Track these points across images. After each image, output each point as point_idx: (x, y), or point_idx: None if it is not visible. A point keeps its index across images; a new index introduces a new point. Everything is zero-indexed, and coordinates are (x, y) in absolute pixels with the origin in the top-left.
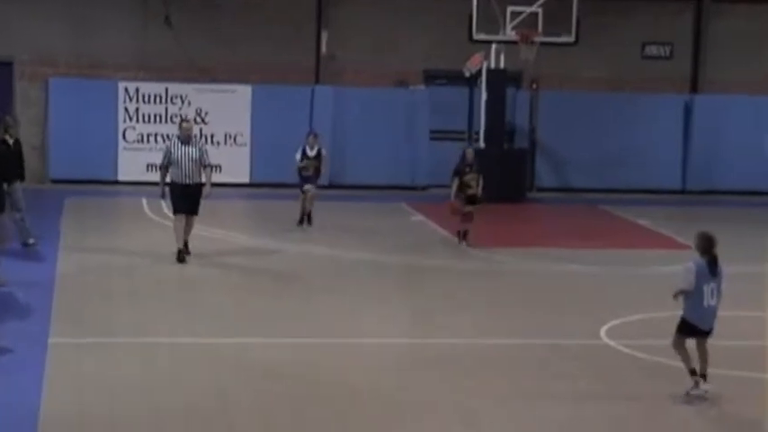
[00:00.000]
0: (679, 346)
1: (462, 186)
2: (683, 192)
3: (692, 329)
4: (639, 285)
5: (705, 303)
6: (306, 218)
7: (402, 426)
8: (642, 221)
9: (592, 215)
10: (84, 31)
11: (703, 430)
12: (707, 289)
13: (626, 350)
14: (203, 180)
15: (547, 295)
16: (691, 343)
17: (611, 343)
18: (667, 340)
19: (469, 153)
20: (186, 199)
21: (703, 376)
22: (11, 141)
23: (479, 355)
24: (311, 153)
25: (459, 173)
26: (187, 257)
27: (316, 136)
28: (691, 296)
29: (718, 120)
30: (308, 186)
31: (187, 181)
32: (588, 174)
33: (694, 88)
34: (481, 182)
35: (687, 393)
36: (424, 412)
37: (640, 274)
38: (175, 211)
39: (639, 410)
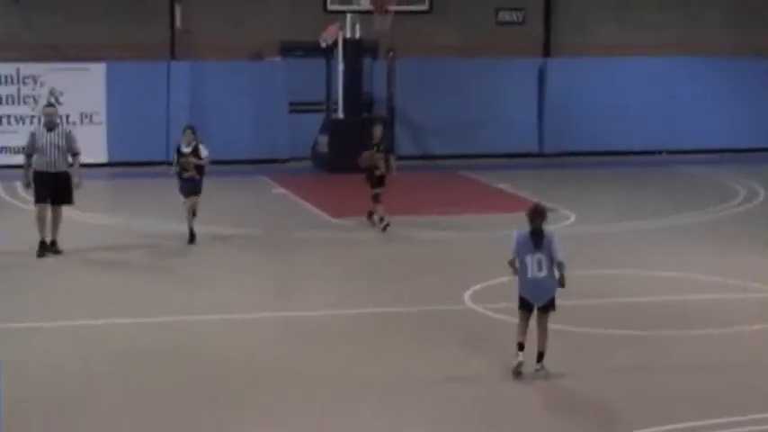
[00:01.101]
0: (519, 317)
1: (371, 168)
2: (539, 155)
3: (522, 302)
4: (500, 249)
5: (529, 275)
6: (191, 234)
7: (271, 399)
8: (501, 185)
9: (452, 181)
10: None
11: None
12: (531, 260)
13: (489, 314)
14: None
15: (410, 262)
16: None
17: (475, 306)
18: None
19: (377, 130)
20: (50, 188)
21: (540, 355)
22: None
23: (344, 325)
24: (187, 150)
25: (367, 158)
26: (47, 254)
27: (193, 131)
28: (519, 267)
29: (571, 83)
30: (189, 198)
31: (52, 169)
32: (447, 140)
33: (547, 52)
34: (393, 162)
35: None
36: (293, 385)
37: (501, 237)
38: (37, 200)
39: (498, 368)
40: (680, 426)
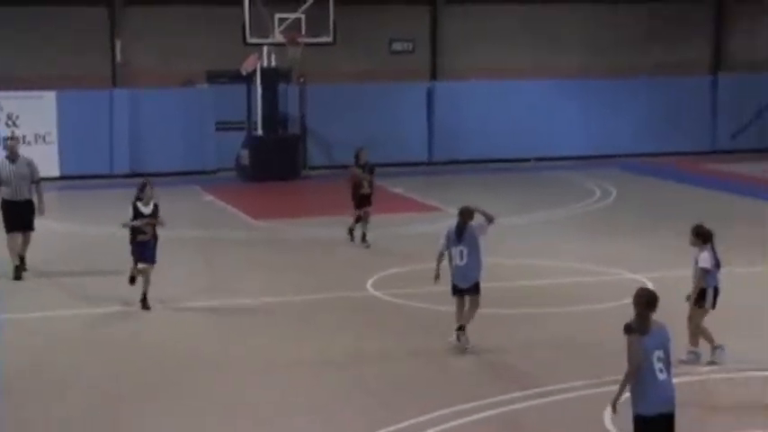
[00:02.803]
0: (455, 303)
1: (356, 187)
2: (429, 163)
3: (453, 287)
4: (397, 243)
5: (454, 263)
6: (144, 300)
7: (198, 385)
8: (397, 189)
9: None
10: None
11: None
12: (455, 252)
13: (388, 298)
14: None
15: (323, 257)
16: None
17: (377, 293)
18: (420, 288)
19: (363, 154)
20: (20, 217)
21: (462, 327)
22: None
23: (268, 312)
24: (146, 210)
25: (353, 174)
26: (24, 274)
27: (151, 186)
28: (448, 259)
29: (455, 102)
30: (143, 266)
31: (18, 198)
32: (352, 152)
33: (434, 76)
34: (374, 180)
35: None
36: (225, 367)
37: (397, 233)
38: (10, 230)
39: (399, 346)
40: (577, 383)
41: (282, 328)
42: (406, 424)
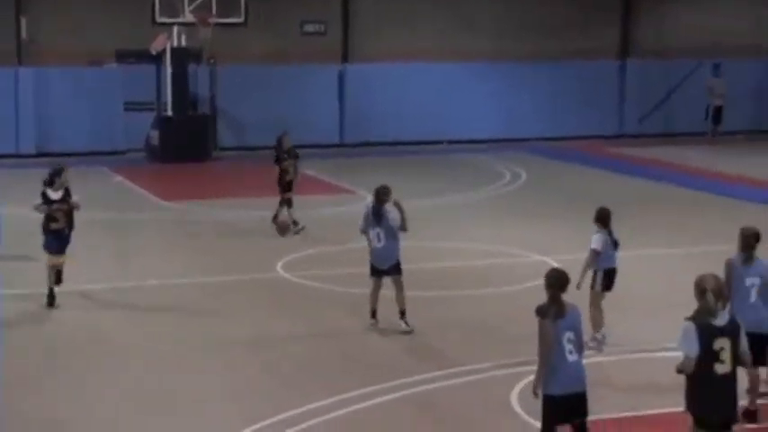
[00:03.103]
0: (372, 283)
1: (281, 172)
2: (340, 145)
3: (372, 268)
4: (308, 225)
5: (373, 245)
6: (51, 295)
7: (107, 370)
8: (309, 171)
9: (267, 169)
10: None
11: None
12: (372, 233)
13: (298, 280)
14: None
15: (231, 238)
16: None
17: (287, 275)
18: (330, 269)
19: (286, 139)
20: None
21: (401, 312)
22: None
23: (177, 293)
24: (56, 196)
25: (277, 160)
26: None
27: (62, 172)
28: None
29: (367, 84)
30: (53, 256)
31: None
32: (263, 134)
33: (346, 59)
34: (298, 168)
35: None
36: (129, 354)
37: (309, 215)
38: None
39: (309, 328)
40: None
41: (191, 310)
42: (315, 405)
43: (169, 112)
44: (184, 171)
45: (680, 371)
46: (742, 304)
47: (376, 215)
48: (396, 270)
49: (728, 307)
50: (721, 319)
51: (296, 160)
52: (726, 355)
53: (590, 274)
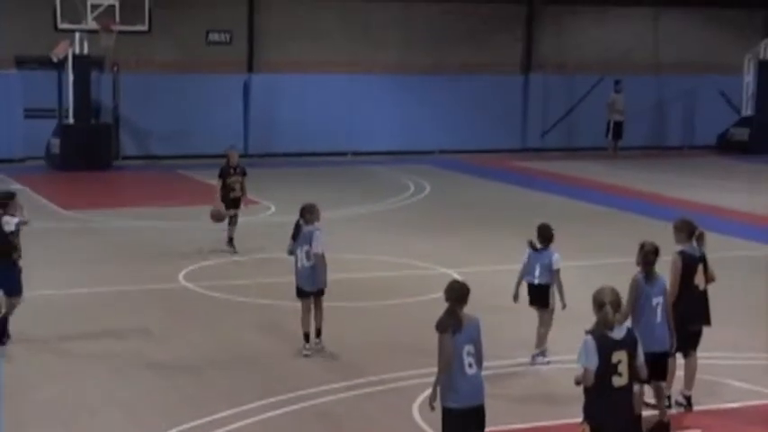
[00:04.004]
0: (301, 307)
1: (226, 189)
2: (245, 155)
3: (298, 290)
4: (211, 235)
5: (299, 265)
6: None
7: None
8: (212, 181)
9: (170, 178)
10: None
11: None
12: (300, 252)
13: (199, 290)
14: None
15: (134, 248)
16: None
17: (190, 285)
18: (233, 280)
19: (233, 155)
20: None
21: (318, 331)
22: None
23: (77, 304)
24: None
25: (223, 174)
26: None
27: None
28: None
29: (272, 95)
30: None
31: None
32: (167, 143)
33: (251, 69)
34: (245, 185)
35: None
36: (23, 365)
37: (211, 225)
38: None
39: (209, 338)
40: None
41: (91, 320)
42: (213, 417)
43: (71, 120)
44: (86, 180)
45: (578, 383)
46: (649, 323)
47: (305, 234)
48: (321, 292)
49: (627, 321)
50: (619, 332)
51: (243, 177)
52: (623, 368)
53: (554, 293)
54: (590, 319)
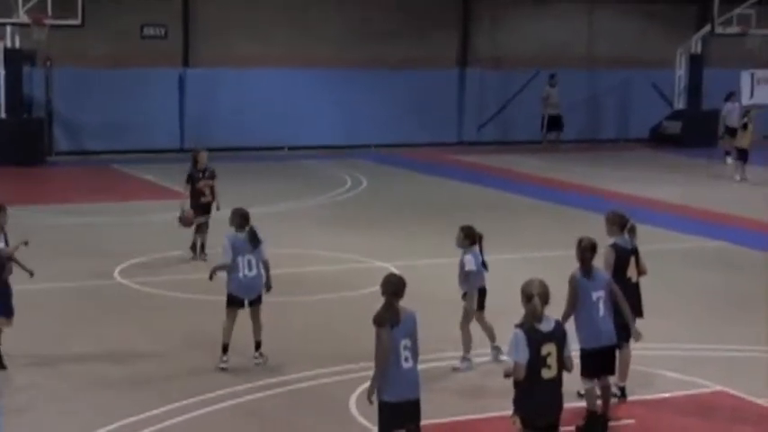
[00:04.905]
0: (227, 315)
1: (196, 194)
2: (180, 150)
3: (231, 299)
4: (146, 231)
5: (241, 275)
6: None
7: None
8: (148, 177)
9: (105, 174)
10: None
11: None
12: (242, 261)
13: (136, 286)
14: None
15: (68, 245)
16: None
17: (125, 281)
18: (169, 276)
19: (202, 157)
20: None
21: (257, 344)
22: None
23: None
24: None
25: (191, 179)
26: None
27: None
28: (229, 270)
29: (208, 89)
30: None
31: None
32: (101, 138)
33: (186, 63)
34: (216, 188)
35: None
36: None
37: (146, 221)
38: None
39: (143, 335)
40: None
41: (23, 318)
42: (146, 415)
43: (2, 115)
44: (18, 175)
45: (507, 375)
46: (591, 318)
47: (252, 240)
48: (259, 300)
49: (569, 315)
50: (547, 325)
51: (213, 180)
52: (552, 360)
53: (468, 294)
54: (520, 313)
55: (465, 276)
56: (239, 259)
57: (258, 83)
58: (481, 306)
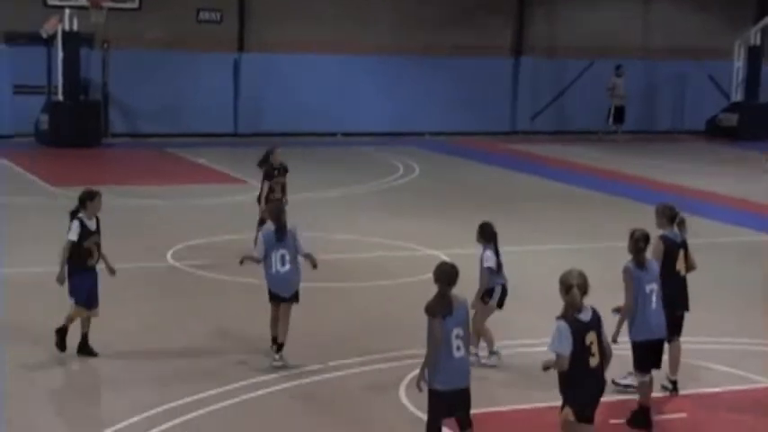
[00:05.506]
0: (271, 309)
1: (268, 190)
2: (234, 135)
3: (270, 294)
4: (199, 215)
5: (274, 270)
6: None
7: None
8: (201, 160)
9: (159, 157)
10: None
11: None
12: (275, 256)
13: (187, 269)
14: None
15: (122, 227)
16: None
17: (177, 264)
18: (226, 260)
19: (277, 154)
20: None
21: (276, 341)
22: None
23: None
24: (93, 226)
25: (268, 176)
26: None
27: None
28: (264, 265)
29: (262, 74)
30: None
31: None
32: (156, 121)
33: (241, 48)
34: (287, 185)
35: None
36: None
37: (200, 205)
38: None
39: (197, 319)
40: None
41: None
42: (200, 396)
43: (60, 97)
44: (74, 157)
45: (547, 368)
46: (646, 311)
47: (280, 234)
48: (296, 298)
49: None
50: (586, 314)
51: (285, 176)
52: (595, 349)
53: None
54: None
55: (487, 273)
56: (272, 254)
57: (312, 68)
58: (500, 304)
